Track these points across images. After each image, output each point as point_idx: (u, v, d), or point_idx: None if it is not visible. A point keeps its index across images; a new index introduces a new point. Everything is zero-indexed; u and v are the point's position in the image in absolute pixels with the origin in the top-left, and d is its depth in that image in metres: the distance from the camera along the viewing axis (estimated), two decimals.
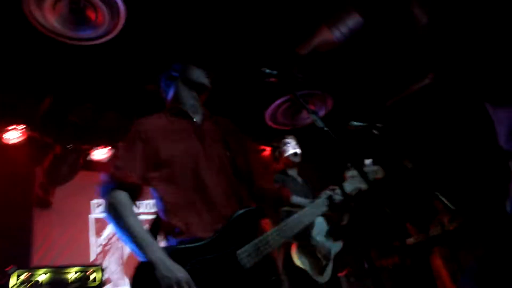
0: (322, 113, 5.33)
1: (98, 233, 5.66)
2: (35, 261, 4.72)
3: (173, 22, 3.83)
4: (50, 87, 4.24)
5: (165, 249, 1.51)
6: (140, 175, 1.65)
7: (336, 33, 4.49)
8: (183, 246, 1.55)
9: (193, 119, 1.85)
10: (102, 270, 2.80)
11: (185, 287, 1.40)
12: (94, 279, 2.72)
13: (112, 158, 1.73)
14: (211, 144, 1.80)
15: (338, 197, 1.85)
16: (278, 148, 3.57)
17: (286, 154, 3.45)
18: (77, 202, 5.62)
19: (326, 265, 3.00)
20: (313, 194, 3.23)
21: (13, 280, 2.46)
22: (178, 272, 1.43)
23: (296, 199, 2.15)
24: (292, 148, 3.52)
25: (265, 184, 1.95)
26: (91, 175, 5.81)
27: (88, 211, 5.75)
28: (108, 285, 4.91)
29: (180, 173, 1.68)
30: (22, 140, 4.44)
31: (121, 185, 1.61)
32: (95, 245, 5.53)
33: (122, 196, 1.59)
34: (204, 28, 4.05)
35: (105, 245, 5.60)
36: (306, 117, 5.69)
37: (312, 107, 4.32)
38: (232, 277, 1.52)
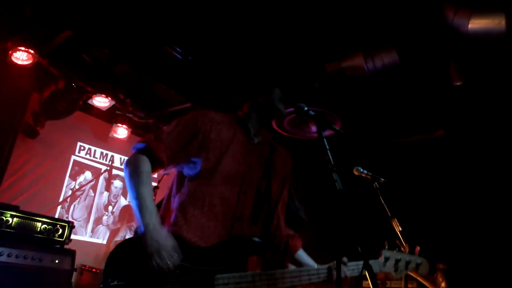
0: (327, 133, 5.30)
1: (74, 176, 5.58)
2: (5, 185, 4.65)
3: None
4: (74, 22, 4.11)
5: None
6: (172, 156, 1.69)
7: (369, 64, 4.44)
8: (179, 235, 1.59)
9: (252, 139, 1.86)
10: (72, 227, 2.75)
11: (171, 254, 1.47)
12: (61, 234, 2.67)
13: (162, 130, 1.77)
14: (255, 169, 1.81)
15: (344, 273, 1.69)
16: None
17: None
18: (64, 140, 5.54)
19: None
20: None
21: None
22: (167, 240, 1.49)
23: (301, 255, 1.87)
24: None
25: (281, 229, 1.91)
26: (86, 117, 5.72)
27: (72, 151, 5.66)
28: None
29: (215, 180, 1.70)
30: (29, 64, 4.30)
31: (149, 152, 1.66)
32: (67, 187, 5.46)
33: (145, 161, 1.65)
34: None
35: (76, 190, 5.53)
36: (311, 132, 5.66)
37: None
38: None
